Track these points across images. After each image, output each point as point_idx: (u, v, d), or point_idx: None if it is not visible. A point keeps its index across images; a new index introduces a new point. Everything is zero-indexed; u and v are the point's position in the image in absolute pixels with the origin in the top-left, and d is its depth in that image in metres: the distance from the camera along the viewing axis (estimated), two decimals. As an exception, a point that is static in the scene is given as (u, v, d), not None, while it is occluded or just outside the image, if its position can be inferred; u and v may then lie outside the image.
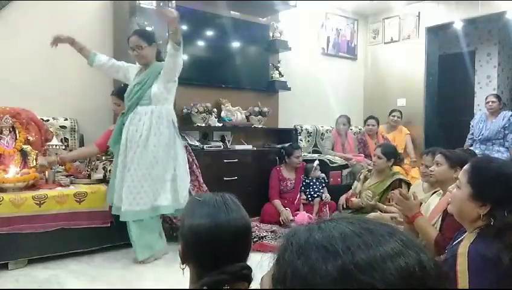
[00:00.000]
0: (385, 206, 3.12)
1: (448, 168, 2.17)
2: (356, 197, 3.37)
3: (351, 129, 5.34)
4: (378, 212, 3.10)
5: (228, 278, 0.93)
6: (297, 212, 3.92)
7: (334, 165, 4.51)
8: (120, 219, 2.72)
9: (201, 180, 3.48)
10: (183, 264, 1.03)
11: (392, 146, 3.80)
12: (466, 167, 1.37)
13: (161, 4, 3.88)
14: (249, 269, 0.97)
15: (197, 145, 4.02)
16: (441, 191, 2.26)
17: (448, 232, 1.81)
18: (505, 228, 1.19)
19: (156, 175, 2.75)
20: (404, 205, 2.01)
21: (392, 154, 3.30)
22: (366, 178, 3.42)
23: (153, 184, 2.74)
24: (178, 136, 2.89)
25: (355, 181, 3.57)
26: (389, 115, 5.33)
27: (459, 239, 1.36)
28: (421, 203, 2.16)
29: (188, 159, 3.51)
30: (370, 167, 3.56)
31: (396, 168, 3.58)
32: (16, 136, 3.02)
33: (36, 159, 3.06)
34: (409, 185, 3.14)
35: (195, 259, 0.99)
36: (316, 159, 4.28)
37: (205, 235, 0.97)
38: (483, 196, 1.27)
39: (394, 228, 0.48)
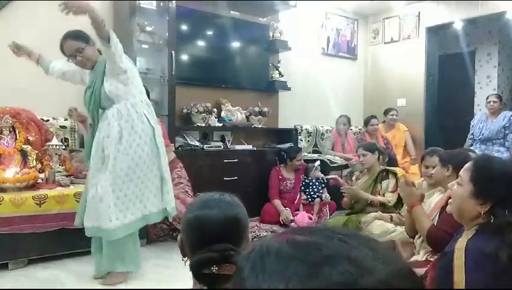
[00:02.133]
0: (371, 196, 3.15)
1: (440, 167, 2.20)
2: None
3: (351, 129, 5.34)
4: (379, 212, 3.10)
5: (215, 256, 0.97)
6: (297, 212, 3.93)
7: (334, 165, 4.51)
8: (109, 239, 2.37)
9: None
10: (183, 256, 1.09)
11: (370, 142, 3.88)
12: (468, 164, 1.36)
13: (161, 4, 3.88)
14: (237, 252, 1.00)
15: (197, 145, 4.03)
16: (442, 189, 2.27)
17: (443, 224, 1.84)
18: (505, 226, 1.19)
19: (140, 179, 2.44)
20: (406, 191, 2.09)
21: (374, 148, 3.35)
22: (358, 178, 3.44)
23: (138, 190, 2.43)
24: (155, 130, 2.53)
25: (349, 182, 3.59)
26: (387, 114, 5.32)
27: (456, 238, 1.36)
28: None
29: (180, 175, 3.33)
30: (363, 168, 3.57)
31: (396, 169, 3.58)
32: (16, 136, 3.03)
33: (36, 159, 3.06)
34: (395, 175, 3.17)
35: (190, 248, 1.06)
36: (317, 160, 4.28)
37: (195, 222, 1.05)
38: (485, 194, 1.27)
39: (359, 244, 0.43)
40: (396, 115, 5.30)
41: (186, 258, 1.08)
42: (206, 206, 1.06)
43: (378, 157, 3.34)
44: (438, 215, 2.05)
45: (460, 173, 1.37)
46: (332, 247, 0.43)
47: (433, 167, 2.45)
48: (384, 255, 0.43)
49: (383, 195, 3.17)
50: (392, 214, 2.99)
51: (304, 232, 0.46)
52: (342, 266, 0.40)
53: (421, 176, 2.78)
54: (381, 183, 3.22)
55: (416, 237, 2.14)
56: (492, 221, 1.23)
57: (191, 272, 1.03)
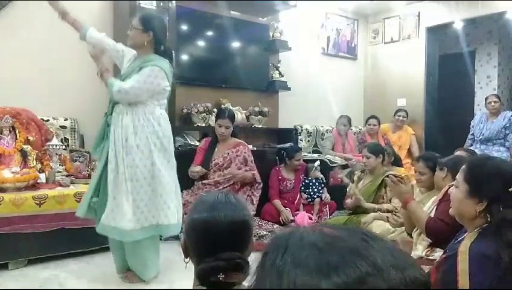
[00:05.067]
0: (376, 206, 3.15)
1: (438, 170, 2.27)
2: (351, 199, 3.37)
3: (351, 129, 5.34)
4: (378, 212, 3.10)
5: (223, 265, 0.95)
6: (298, 212, 3.93)
7: (334, 165, 4.51)
8: (126, 240, 2.34)
9: None
10: (186, 257, 1.07)
11: (376, 144, 3.89)
12: (463, 166, 1.40)
13: (161, 4, 3.88)
14: (245, 260, 0.99)
15: (197, 145, 4.02)
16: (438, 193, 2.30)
17: (440, 215, 1.86)
18: (502, 223, 1.21)
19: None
20: (396, 189, 2.13)
21: (379, 151, 3.34)
22: (359, 179, 3.43)
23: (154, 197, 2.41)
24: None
25: (350, 183, 3.59)
26: (395, 114, 5.31)
27: (460, 239, 1.37)
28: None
29: None
30: (364, 168, 3.57)
31: (398, 170, 3.58)
32: (16, 136, 3.03)
33: (36, 159, 3.06)
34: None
35: (195, 251, 1.04)
36: (317, 160, 4.28)
37: (202, 226, 1.02)
38: (479, 193, 1.29)
39: (368, 246, 0.46)
40: (404, 117, 5.27)
41: (188, 259, 1.07)
42: (213, 208, 1.03)
43: (383, 160, 3.33)
44: (434, 210, 2.07)
45: (457, 175, 1.40)
46: (354, 243, 0.46)
47: (421, 172, 2.52)
48: (403, 266, 0.45)
49: (389, 201, 3.16)
50: (387, 215, 2.99)
51: (333, 228, 0.50)
52: (359, 262, 0.43)
53: (417, 182, 2.79)
54: (385, 188, 3.20)
55: (414, 230, 2.15)
56: (489, 220, 1.25)
57: (192, 271, 1.03)
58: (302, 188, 4.06)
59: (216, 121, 3.58)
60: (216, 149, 3.59)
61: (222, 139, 3.57)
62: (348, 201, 3.39)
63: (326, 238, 0.46)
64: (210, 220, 1.01)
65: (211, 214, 1.02)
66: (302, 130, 5.20)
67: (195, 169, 3.52)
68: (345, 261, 0.43)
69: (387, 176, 3.18)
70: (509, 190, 1.23)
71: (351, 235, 0.47)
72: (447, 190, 1.94)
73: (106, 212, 2.33)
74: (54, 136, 3.35)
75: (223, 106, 4.44)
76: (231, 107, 4.46)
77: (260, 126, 4.57)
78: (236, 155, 3.55)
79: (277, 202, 3.93)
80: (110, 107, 2.44)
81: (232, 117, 3.56)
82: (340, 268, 0.42)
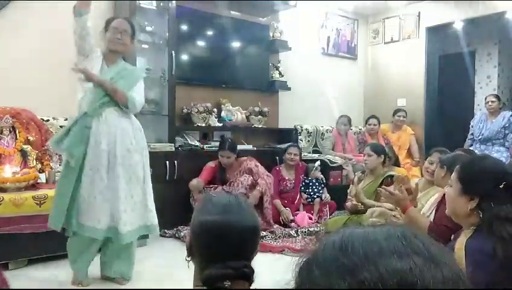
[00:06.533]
0: (377, 203, 3.15)
1: (438, 168, 2.29)
2: (351, 201, 3.38)
3: (351, 129, 5.34)
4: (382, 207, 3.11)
5: (231, 273, 0.94)
6: (298, 212, 3.93)
7: (334, 165, 4.51)
8: (125, 242, 2.36)
9: None
10: (188, 257, 1.06)
11: (380, 144, 3.89)
12: (457, 166, 1.45)
13: (161, 4, 3.89)
14: (251, 269, 0.99)
15: (197, 145, 4.03)
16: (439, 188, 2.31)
17: (441, 219, 1.88)
18: (493, 219, 1.24)
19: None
20: (392, 199, 2.16)
21: (381, 151, 3.35)
22: (360, 180, 3.44)
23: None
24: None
25: (351, 185, 3.59)
26: (394, 115, 5.32)
27: (456, 237, 1.39)
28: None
29: None
30: (364, 168, 3.57)
31: (397, 170, 3.59)
32: (16, 136, 3.03)
33: (36, 159, 3.06)
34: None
35: (202, 253, 1.02)
36: (317, 160, 4.28)
37: (215, 230, 0.99)
38: (471, 190, 1.33)
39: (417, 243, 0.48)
40: (404, 117, 5.28)
41: (189, 258, 1.06)
42: (225, 211, 1.01)
43: (384, 161, 3.33)
44: (433, 211, 2.08)
45: (452, 175, 1.45)
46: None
47: (431, 162, 2.61)
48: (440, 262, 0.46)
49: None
50: (393, 212, 2.99)
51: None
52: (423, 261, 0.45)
53: (422, 176, 2.81)
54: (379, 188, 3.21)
55: None
56: (481, 216, 1.28)
57: (189, 267, 1.02)
58: (302, 188, 4.07)
59: (219, 150, 3.80)
60: (227, 174, 3.83)
61: (228, 166, 3.81)
62: (348, 204, 3.40)
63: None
64: (223, 225, 0.99)
65: (224, 217, 1.00)
66: (302, 130, 5.20)
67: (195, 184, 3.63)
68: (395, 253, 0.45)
69: (383, 182, 3.22)
70: (500, 187, 1.26)
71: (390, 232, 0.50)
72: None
73: (103, 217, 2.33)
74: (54, 136, 3.35)
75: (222, 106, 4.44)
76: (231, 107, 4.46)
77: (260, 126, 4.57)
78: (244, 172, 3.76)
79: (277, 202, 3.94)
80: (97, 109, 2.37)
81: (232, 148, 3.78)
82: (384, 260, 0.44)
